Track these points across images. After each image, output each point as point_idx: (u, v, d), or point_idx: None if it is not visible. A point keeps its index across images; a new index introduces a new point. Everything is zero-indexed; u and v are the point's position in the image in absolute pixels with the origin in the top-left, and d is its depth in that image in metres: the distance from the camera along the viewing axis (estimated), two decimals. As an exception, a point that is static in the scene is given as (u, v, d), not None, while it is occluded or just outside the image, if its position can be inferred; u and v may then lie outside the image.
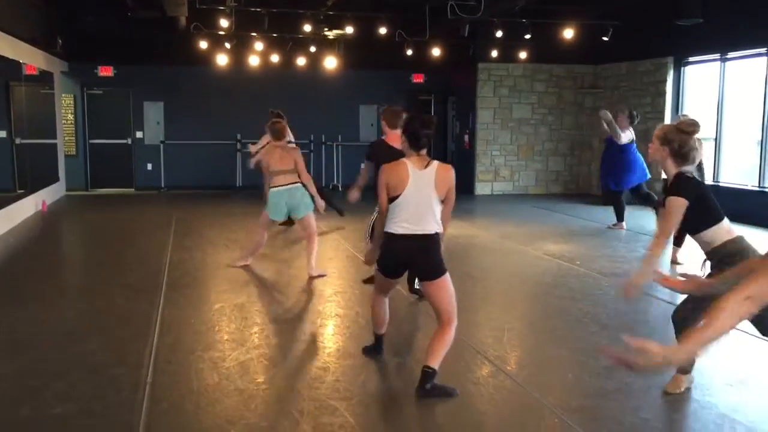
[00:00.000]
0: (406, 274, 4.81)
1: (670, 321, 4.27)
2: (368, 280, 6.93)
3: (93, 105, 15.35)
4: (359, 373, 4.65)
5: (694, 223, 3.92)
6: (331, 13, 12.60)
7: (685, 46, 12.43)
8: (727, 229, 3.86)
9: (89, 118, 15.31)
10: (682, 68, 12.88)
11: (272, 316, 6.02)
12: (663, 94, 13.02)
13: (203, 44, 13.71)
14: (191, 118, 15.36)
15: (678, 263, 7.84)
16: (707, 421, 3.93)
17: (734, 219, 4.60)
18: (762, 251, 3.42)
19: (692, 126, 3.95)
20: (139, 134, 15.52)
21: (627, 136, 9.92)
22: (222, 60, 14.07)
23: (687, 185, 3.89)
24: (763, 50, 10.86)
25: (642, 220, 10.88)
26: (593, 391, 4.28)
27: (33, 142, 11.91)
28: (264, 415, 3.93)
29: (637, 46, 13.41)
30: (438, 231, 4.23)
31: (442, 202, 4.26)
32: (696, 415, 4.05)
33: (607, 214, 10.86)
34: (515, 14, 12.23)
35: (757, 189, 11.02)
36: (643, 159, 9.84)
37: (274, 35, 13.40)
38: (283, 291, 6.93)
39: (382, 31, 13.10)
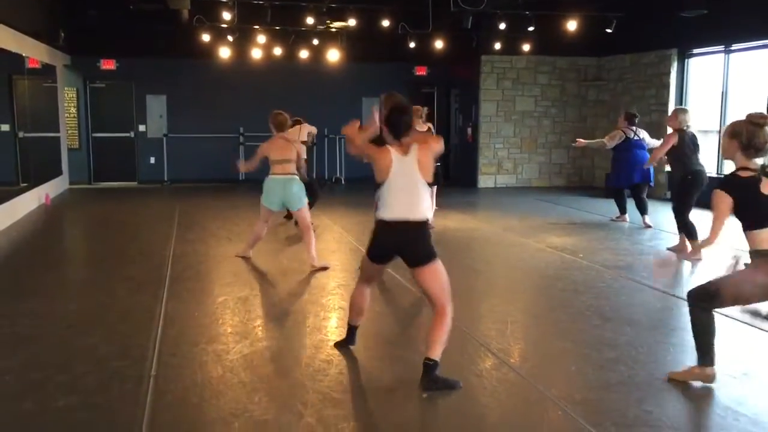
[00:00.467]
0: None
1: (671, 313, 4.26)
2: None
3: (96, 98, 15.35)
4: (363, 366, 4.65)
5: (741, 221, 3.99)
6: (333, 5, 12.56)
7: (689, 38, 12.37)
8: (764, 239, 3.88)
9: (92, 112, 15.31)
10: (686, 60, 12.83)
11: (276, 309, 6.03)
12: (667, 86, 12.98)
13: (206, 37, 13.68)
14: (194, 111, 15.35)
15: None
16: (711, 413, 3.93)
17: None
18: None
19: (762, 118, 3.95)
20: (141, 127, 15.52)
21: (620, 136, 9.93)
22: (224, 53, 14.05)
23: (733, 181, 3.97)
24: (767, 42, 10.80)
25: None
26: (597, 383, 4.27)
27: (36, 135, 11.92)
28: (268, 408, 3.93)
29: (641, 38, 13.35)
30: (429, 218, 4.28)
31: (431, 185, 4.33)
32: (700, 407, 4.04)
33: (611, 206, 10.84)
34: (518, 6, 12.21)
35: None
36: (648, 162, 9.53)
37: (277, 28, 13.38)
38: (287, 284, 6.93)
39: (385, 23, 13.08)
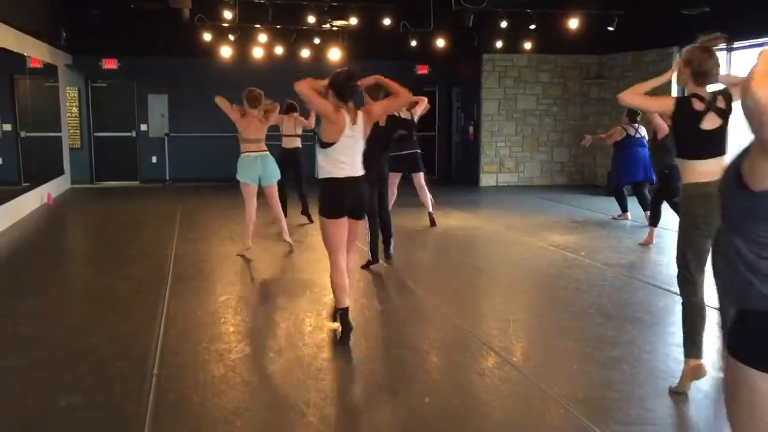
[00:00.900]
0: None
1: (673, 311, 4.25)
2: (365, 266, 7.16)
3: (97, 98, 15.35)
4: (364, 365, 4.65)
5: (679, 148, 4.00)
6: (335, 4, 12.56)
7: (691, 36, 12.29)
8: (700, 171, 3.84)
9: (94, 111, 15.31)
10: (688, 58, 12.80)
11: (277, 308, 6.03)
12: (669, 83, 12.94)
13: (207, 36, 13.67)
14: (195, 111, 15.32)
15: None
16: (715, 411, 3.92)
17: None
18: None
19: (715, 39, 4.00)
20: (143, 127, 15.52)
21: (621, 133, 9.94)
22: (226, 52, 14.04)
23: (684, 104, 3.95)
24: (769, 39, 10.78)
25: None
26: (599, 382, 4.27)
27: (38, 135, 11.93)
28: (270, 407, 3.93)
29: (643, 35, 13.33)
30: (363, 173, 4.86)
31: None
32: (701, 405, 4.04)
33: (612, 204, 10.83)
34: (520, 4, 12.19)
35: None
36: (648, 159, 9.61)
37: (278, 27, 13.37)
38: (289, 282, 6.93)
39: (387, 22, 13.07)
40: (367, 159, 6.79)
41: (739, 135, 2.09)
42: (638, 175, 9.83)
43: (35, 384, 4.21)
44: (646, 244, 8.57)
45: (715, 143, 3.91)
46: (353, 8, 12.79)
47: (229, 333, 5.27)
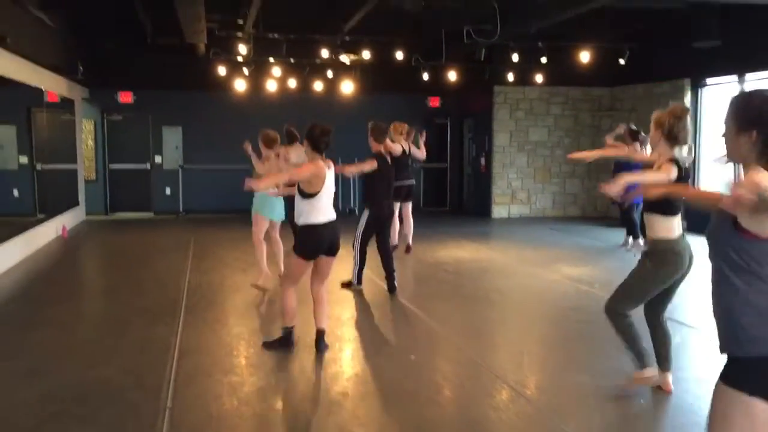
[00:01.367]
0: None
1: (687, 344, 4.22)
2: (346, 285, 7.64)
3: (113, 130, 15.52)
4: (378, 399, 4.62)
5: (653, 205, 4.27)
6: (348, 38, 12.71)
7: (703, 68, 12.39)
8: (669, 227, 4.23)
9: (109, 144, 15.48)
10: (700, 90, 12.83)
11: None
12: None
13: (222, 70, 13.84)
14: (209, 143, 15.48)
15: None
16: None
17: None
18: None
19: (682, 111, 4.39)
20: (157, 159, 15.66)
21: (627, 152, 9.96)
22: (240, 85, 14.19)
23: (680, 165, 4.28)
24: (781, 71, 10.81)
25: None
26: (614, 417, 4.23)
27: (54, 167, 12.06)
28: (283, 441, 3.91)
29: (654, 68, 13.39)
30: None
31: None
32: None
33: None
34: (531, 38, 12.29)
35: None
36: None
37: (292, 61, 13.53)
38: (302, 315, 6.88)
39: (399, 55, 13.21)
40: (378, 197, 7.13)
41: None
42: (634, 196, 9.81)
43: (49, 417, 4.21)
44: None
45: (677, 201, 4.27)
46: (366, 42, 12.95)
47: (242, 365, 5.25)
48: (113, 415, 4.23)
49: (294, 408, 4.40)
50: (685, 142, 4.38)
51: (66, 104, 13.16)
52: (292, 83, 14.61)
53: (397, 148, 9.21)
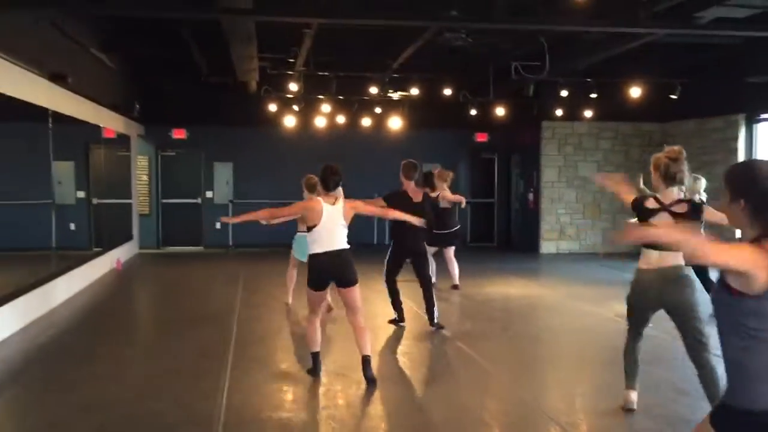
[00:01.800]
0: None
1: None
2: (392, 321, 7.75)
3: (166, 166, 15.90)
4: (428, 438, 4.57)
5: None
6: (396, 75, 12.86)
7: (757, 103, 12.17)
8: (644, 260, 4.72)
9: (162, 179, 15.84)
10: (754, 125, 12.59)
11: (340, 376, 5.99)
12: (734, 151, 12.72)
13: (272, 107, 14.11)
14: (259, 178, 15.73)
15: None
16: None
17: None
18: None
19: (677, 153, 4.65)
20: (209, 194, 15.96)
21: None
22: (290, 121, 14.42)
23: (639, 205, 4.77)
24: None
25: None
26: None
27: (109, 202, 12.40)
28: (333, 480, 3.88)
29: (707, 103, 13.19)
30: (347, 247, 5.61)
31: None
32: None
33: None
34: (580, 73, 12.25)
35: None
36: None
37: (341, 97, 13.73)
38: (352, 349, 6.89)
39: (447, 92, 13.30)
40: (400, 231, 7.25)
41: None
42: None
43: (103, 449, 4.26)
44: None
45: None
46: (414, 79, 13.07)
47: (290, 401, 5.26)
48: (165, 449, 4.26)
49: (343, 446, 4.38)
50: (682, 182, 4.72)
51: (122, 140, 13.56)
52: (341, 119, 14.80)
53: (450, 198, 9.57)
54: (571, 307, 9.10)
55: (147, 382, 5.77)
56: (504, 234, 17.07)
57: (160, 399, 5.24)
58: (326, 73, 12.41)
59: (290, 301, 8.83)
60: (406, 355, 6.69)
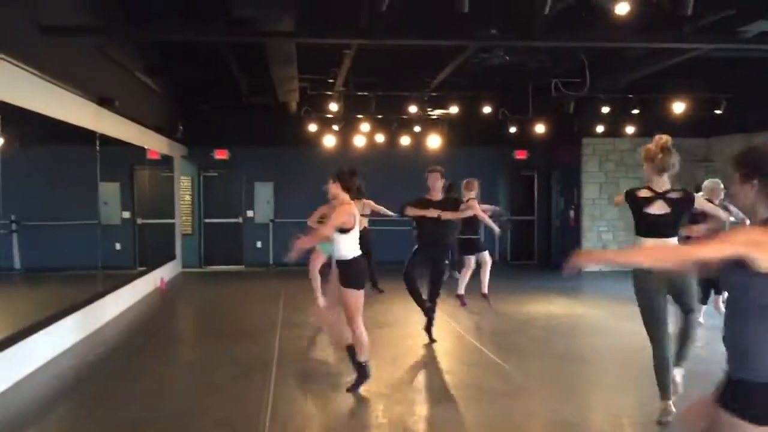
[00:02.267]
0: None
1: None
2: (427, 329, 7.90)
3: (208, 186, 16.14)
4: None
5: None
6: (435, 94, 12.89)
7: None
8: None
9: (204, 199, 16.08)
10: (802, 139, 12.30)
11: (383, 396, 5.97)
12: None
13: (312, 127, 14.25)
14: (299, 197, 15.83)
15: None
16: None
17: None
18: None
19: (667, 143, 5.03)
20: (249, 213, 16.14)
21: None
22: (329, 141, 14.54)
23: (631, 194, 5.25)
24: None
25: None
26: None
27: (153, 222, 12.62)
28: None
29: (752, 118, 12.94)
30: None
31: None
32: None
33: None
34: (621, 89, 12.13)
35: None
36: None
37: (380, 117, 13.80)
38: (395, 368, 6.87)
39: (486, 109, 13.28)
40: (421, 234, 7.90)
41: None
42: None
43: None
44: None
45: (658, 226, 5.02)
46: (453, 98, 13.08)
47: (333, 421, 5.26)
48: (210, 468, 4.29)
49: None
50: (675, 170, 5.02)
51: (166, 161, 13.81)
52: (380, 138, 14.87)
53: (477, 209, 9.53)
54: (613, 326, 8.95)
55: (190, 400, 5.82)
56: (544, 252, 16.90)
57: (203, 417, 5.29)
58: (365, 93, 12.50)
59: (322, 301, 8.63)
60: (448, 374, 6.65)
